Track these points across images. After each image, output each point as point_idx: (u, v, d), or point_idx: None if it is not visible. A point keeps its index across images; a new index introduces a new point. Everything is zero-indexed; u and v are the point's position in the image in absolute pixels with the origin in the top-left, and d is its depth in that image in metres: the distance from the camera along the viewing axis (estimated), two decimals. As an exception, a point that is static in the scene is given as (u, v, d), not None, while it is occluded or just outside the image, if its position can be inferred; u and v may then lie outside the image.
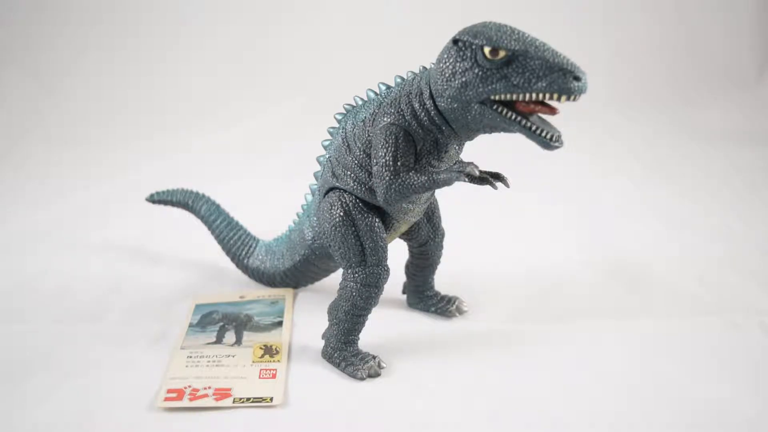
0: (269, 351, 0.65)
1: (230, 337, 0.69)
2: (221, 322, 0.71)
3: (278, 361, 0.64)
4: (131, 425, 0.56)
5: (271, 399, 0.58)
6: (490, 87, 0.51)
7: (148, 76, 1.66)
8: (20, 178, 1.26)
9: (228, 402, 0.57)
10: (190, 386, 0.59)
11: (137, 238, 0.96)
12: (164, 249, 0.92)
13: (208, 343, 0.68)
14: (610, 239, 0.95)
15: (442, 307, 0.73)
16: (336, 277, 0.68)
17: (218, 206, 0.84)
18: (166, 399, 0.58)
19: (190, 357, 0.65)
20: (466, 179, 0.55)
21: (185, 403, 0.57)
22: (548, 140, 0.52)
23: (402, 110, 0.58)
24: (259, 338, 0.68)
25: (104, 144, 1.44)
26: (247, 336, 0.69)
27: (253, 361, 0.64)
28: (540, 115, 0.53)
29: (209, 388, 0.59)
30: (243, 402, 0.57)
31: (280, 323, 0.71)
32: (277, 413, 0.57)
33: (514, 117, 0.52)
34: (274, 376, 0.61)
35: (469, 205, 0.95)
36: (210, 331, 0.70)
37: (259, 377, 0.61)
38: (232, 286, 0.81)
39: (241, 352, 0.66)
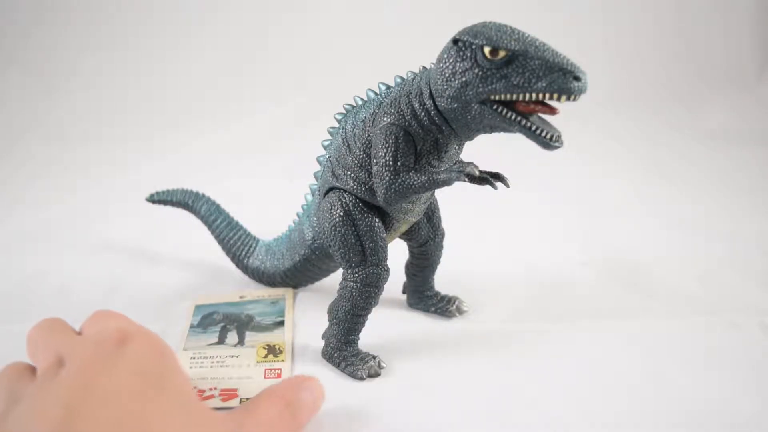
0: (273, 351, 0.65)
1: (233, 337, 0.69)
2: (222, 323, 0.71)
3: (282, 360, 0.64)
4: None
5: None
6: (490, 87, 0.51)
7: (148, 76, 1.66)
8: (20, 178, 1.26)
9: (235, 402, 0.57)
10: (195, 388, 0.59)
11: (137, 238, 0.96)
12: (164, 249, 0.92)
13: (211, 344, 0.68)
14: (610, 239, 0.95)
15: (442, 307, 0.73)
16: (336, 277, 0.68)
17: (218, 206, 0.84)
18: None
19: (194, 358, 0.65)
20: (466, 179, 0.55)
21: None
22: (548, 140, 0.52)
23: (402, 110, 0.58)
24: (262, 338, 0.68)
25: (104, 144, 1.44)
26: (249, 336, 0.69)
27: (258, 361, 0.64)
28: (540, 115, 0.53)
29: (215, 389, 0.59)
30: None
31: (281, 323, 0.71)
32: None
33: (514, 117, 0.52)
34: (279, 376, 0.61)
35: (469, 205, 0.95)
36: (211, 331, 0.70)
37: (264, 377, 0.61)
38: (233, 286, 0.81)
39: (244, 352, 0.66)
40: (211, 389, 0.59)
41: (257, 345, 0.67)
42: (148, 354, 0.43)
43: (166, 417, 0.39)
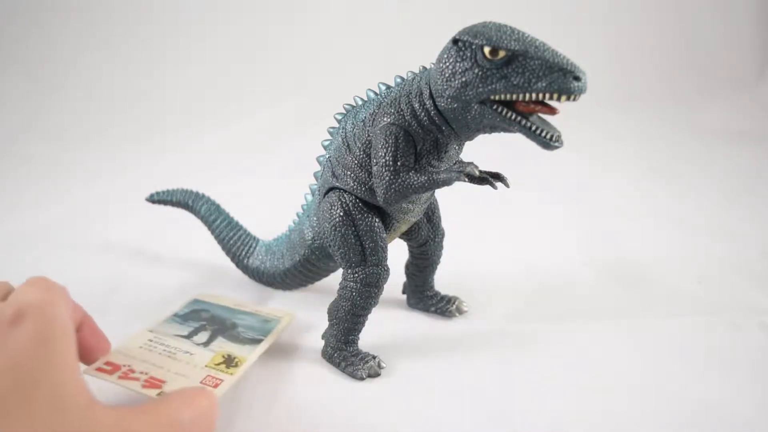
0: (229, 361, 0.61)
1: (203, 337, 0.65)
2: (203, 321, 0.68)
3: (231, 374, 0.58)
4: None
5: None
6: (490, 87, 0.51)
7: (148, 76, 1.66)
8: (20, 178, 1.26)
9: (153, 393, 0.53)
10: (129, 366, 0.57)
11: (137, 238, 0.96)
12: (164, 249, 0.92)
13: (177, 335, 0.65)
14: (610, 239, 0.95)
15: (442, 307, 0.73)
16: (336, 277, 0.68)
17: (218, 206, 0.84)
18: (99, 369, 0.56)
19: (151, 341, 0.63)
20: (466, 179, 0.55)
21: (113, 379, 0.55)
22: (548, 140, 0.52)
23: (402, 110, 0.58)
24: (229, 348, 0.63)
25: (104, 144, 1.44)
26: (219, 342, 0.64)
27: (206, 365, 0.59)
28: (540, 115, 0.53)
29: (145, 373, 0.56)
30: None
31: (259, 341, 0.65)
32: (276, 413, 0.57)
33: (514, 117, 0.52)
34: (216, 386, 0.56)
35: (469, 205, 0.95)
36: (188, 325, 0.67)
37: (202, 381, 0.56)
38: (232, 286, 0.81)
39: (202, 353, 0.61)
40: (141, 372, 0.56)
41: (219, 351, 0.62)
42: (32, 341, 0.41)
43: (32, 419, 0.38)
